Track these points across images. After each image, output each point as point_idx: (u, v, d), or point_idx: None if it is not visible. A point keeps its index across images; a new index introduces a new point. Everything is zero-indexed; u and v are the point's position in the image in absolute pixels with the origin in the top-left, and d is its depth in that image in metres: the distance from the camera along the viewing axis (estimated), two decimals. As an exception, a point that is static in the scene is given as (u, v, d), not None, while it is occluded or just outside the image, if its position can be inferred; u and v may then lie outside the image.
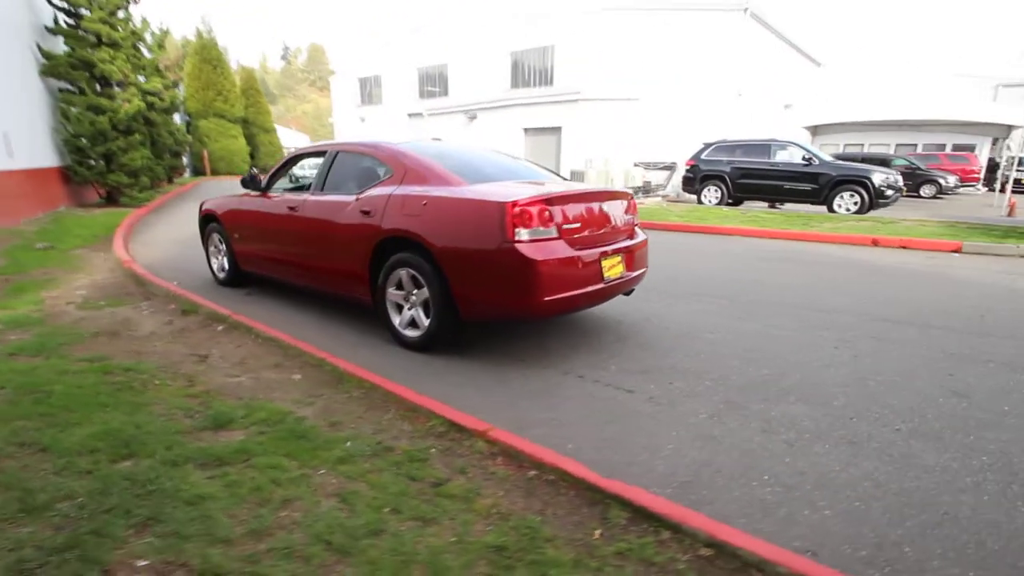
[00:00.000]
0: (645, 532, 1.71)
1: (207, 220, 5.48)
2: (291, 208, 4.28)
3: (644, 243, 3.93)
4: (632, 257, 3.71)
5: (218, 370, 3.09)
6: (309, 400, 2.69)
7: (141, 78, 11.86)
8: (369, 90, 27.46)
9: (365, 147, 4.05)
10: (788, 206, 12.93)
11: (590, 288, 3.31)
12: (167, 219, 10.08)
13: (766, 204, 13.25)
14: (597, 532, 1.72)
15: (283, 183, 4.95)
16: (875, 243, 7.78)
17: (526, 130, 17.16)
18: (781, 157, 12.18)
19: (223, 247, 5.30)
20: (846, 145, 24.93)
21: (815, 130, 20.55)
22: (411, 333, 3.58)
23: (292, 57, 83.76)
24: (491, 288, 3.15)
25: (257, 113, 24.36)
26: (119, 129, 10.57)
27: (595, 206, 3.50)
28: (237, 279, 5.28)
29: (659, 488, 2.00)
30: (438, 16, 22.88)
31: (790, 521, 1.87)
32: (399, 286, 3.60)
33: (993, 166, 21.65)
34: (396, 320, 3.66)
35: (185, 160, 18.80)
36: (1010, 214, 12.85)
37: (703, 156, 13.19)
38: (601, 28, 18.48)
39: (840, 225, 9.23)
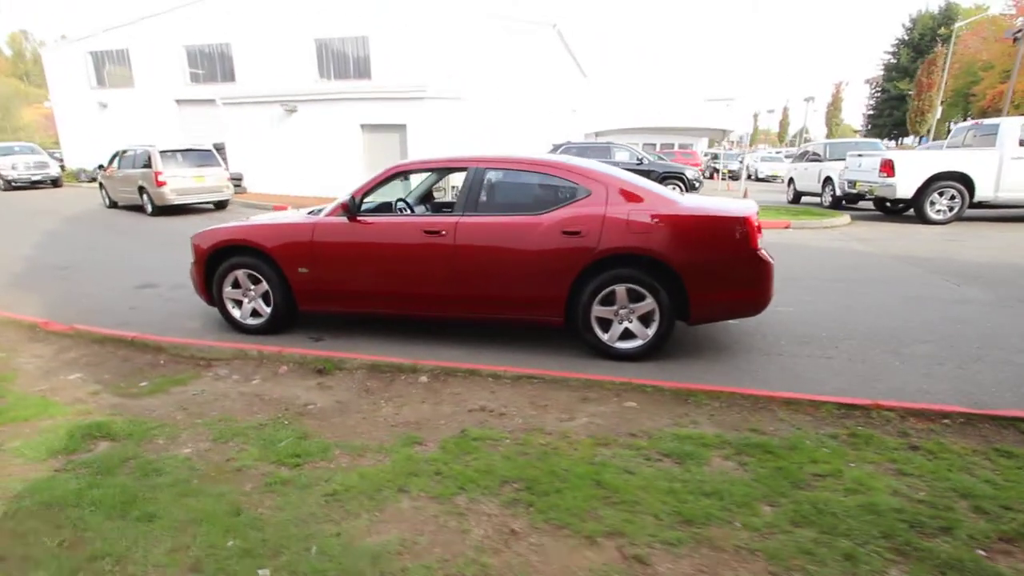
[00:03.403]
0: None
1: (221, 255, 4.23)
2: (430, 232, 3.78)
3: None
4: None
5: (538, 418, 2.77)
6: (690, 421, 2.74)
7: None
8: (109, 68, 21.51)
9: (536, 164, 3.86)
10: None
11: None
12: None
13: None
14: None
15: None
16: (734, 225, 10.23)
17: (364, 127, 16.14)
18: (619, 157, 14.49)
19: (257, 287, 4.21)
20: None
21: (596, 135, 24.63)
22: (627, 344, 3.71)
23: None
24: (734, 291, 3.58)
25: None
26: None
27: None
28: (282, 324, 4.27)
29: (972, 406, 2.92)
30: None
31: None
32: (605, 302, 3.67)
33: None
34: (604, 336, 3.72)
35: None
36: (744, 196, 17.92)
37: (555, 156, 14.73)
38: (419, 25, 18.46)
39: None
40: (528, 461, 2.23)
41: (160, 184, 11.56)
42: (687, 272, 3.50)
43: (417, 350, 3.90)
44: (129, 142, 15.06)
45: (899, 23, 64.36)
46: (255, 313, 4.31)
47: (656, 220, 3.51)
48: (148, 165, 11.74)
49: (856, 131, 61.71)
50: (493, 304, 3.85)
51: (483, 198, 3.84)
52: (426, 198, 5.29)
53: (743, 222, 3.49)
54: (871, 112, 56.19)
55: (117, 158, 13.20)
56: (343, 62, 19.80)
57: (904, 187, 9.93)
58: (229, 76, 20.32)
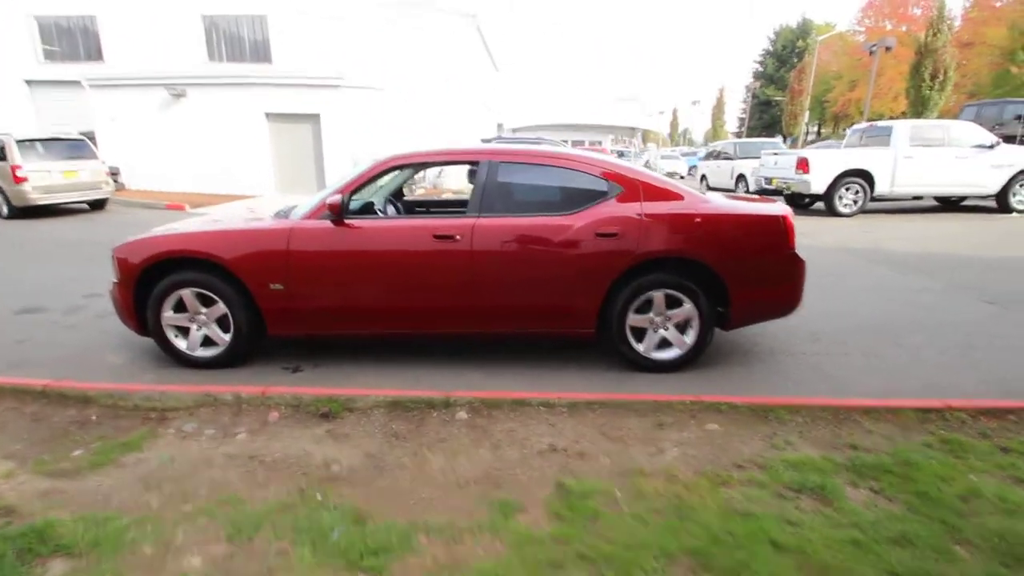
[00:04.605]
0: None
1: (158, 271, 3.31)
2: (441, 237, 3.21)
3: None
4: None
5: (623, 455, 2.37)
6: (783, 441, 2.48)
7: None
8: (-73, 38, 17.42)
9: (558, 158, 3.41)
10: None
11: None
12: None
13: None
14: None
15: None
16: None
17: (270, 116, 14.50)
18: (550, 153, 14.38)
19: (210, 309, 3.36)
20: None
21: (514, 131, 24.57)
22: (664, 355, 3.42)
23: None
24: (773, 292, 3.42)
25: None
26: None
27: None
28: (244, 353, 3.47)
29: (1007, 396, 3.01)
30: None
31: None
32: (639, 310, 3.36)
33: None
34: (640, 347, 3.40)
35: None
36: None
37: (485, 151, 14.26)
38: (327, 6, 17.03)
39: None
40: (669, 522, 1.83)
41: (19, 180, 9.44)
42: (730, 275, 3.28)
43: (422, 375, 3.33)
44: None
45: (765, 36, 71.42)
46: (208, 341, 3.45)
47: (699, 220, 3.25)
48: (1, 158, 9.53)
49: (736, 133, 67.49)
50: (516, 317, 3.37)
51: (501, 196, 3.33)
52: (396, 196, 4.64)
53: (783, 220, 3.34)
54: (743, 115, 61.88)
55: (-47, 149, 10.62)
56: (237, 44, 17.75)
57: (817, 183, 10.77)
58: (95, 54, 17.37)
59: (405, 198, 4.81)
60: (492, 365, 3.53)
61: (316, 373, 3.44)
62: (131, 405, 2.82)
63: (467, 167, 15.43)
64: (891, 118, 31.87)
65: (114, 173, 14.63)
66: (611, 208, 3.26)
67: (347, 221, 3.28)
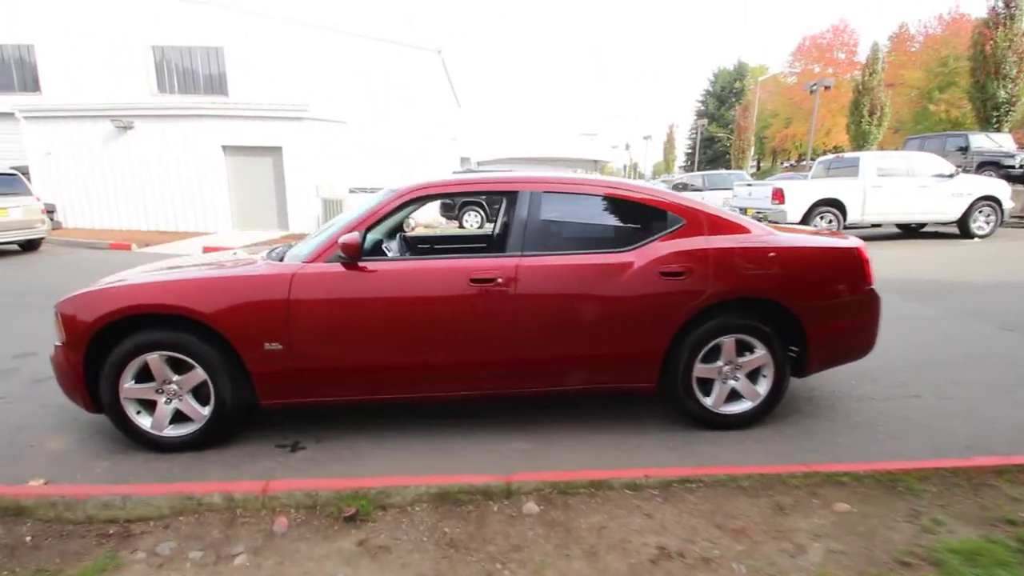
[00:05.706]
0: None
1: (117, 331, 2.61)
2: (479, 281, 2.67)
3: None
4: None
5: (757, 556, 1.84)
6: (930, 520, 2.03)
7: None
8: None
9: (607, 186, 2.98)
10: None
11: None
12: None
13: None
14: None
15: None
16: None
17: (227, 148, 13.63)
18: (524, 185, 14.14)
19: (184, 378, 2.67)
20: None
21: (479, 163, 24.41)
22: (735, 408, 2.96)
23: None
24: (851, 333, 3.05)
25: None
26: None
27: None
28: (226, 431, 2.78)
29: None
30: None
31: None
32: (706, 358, 2.91)
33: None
34: (709, 400, 2.93)
35: None
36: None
37: (458, 184, 13.88)
38: (287, 39, 16.51)
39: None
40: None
41: (-67, 220, 8.26)
42: (807, 315, 2.88)
43: (454, 448, 2.75)
44: None
45: (706, 77, 75.55)
46: (180, 417, 2.73)
47: (773, 255, 2.86)
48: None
49: (683, 166, 70.11)
50: (567, 372, 2.84)
51: (546, 232, 2.84)
52: (395, 233, 4.09)
53: (858, 253, 3.01)
54: (689, 151, 64.48)
55: None
56: (190, 76, 16.89)
57: (793, 212, 10.89)
58: (32, 85, 16.08)
59: (405, 234, 4.27)
60: (534, 428, 2.97)
61: (321, 451, 2.78)
62: (82, 517, 2.09)
63: (440, 201, 14.79)
64: (824, 152, 33.82)
65: (50, 211, 13.32)
66: (675, 243, 2.82)
67: (362, 264, 2.70)
